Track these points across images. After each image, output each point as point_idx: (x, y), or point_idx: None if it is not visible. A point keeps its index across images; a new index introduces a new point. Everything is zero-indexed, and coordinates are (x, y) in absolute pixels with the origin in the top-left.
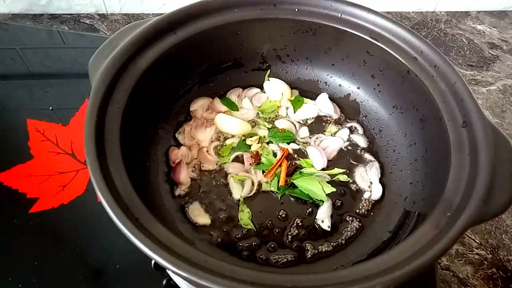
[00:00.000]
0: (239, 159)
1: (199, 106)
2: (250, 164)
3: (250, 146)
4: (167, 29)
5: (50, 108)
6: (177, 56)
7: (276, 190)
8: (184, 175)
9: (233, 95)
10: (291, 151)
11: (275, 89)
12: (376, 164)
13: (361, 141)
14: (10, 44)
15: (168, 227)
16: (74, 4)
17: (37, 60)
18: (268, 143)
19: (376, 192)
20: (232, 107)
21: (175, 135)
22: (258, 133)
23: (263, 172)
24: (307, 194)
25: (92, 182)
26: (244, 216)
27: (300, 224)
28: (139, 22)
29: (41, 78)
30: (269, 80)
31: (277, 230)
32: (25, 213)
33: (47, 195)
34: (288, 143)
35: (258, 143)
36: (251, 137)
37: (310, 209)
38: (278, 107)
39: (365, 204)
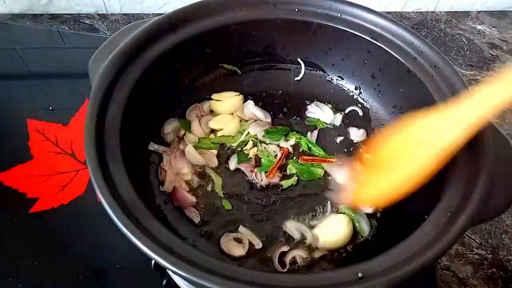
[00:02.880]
0: (239, 171)
1: (171, 129)
2: (251, 170)
3: (248, 154)
4: (167, 29)
5: (50, 108)
6: (177, 56)
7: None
8: (189, 199)
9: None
10: (290, 150)
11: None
12: None
13: (356, 135)
14: (10, 44)
15: (168, 227)
16: (74, 4)
17: (37, 60)
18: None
19: None
20: (188, 129)
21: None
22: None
23: (265, 173)
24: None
25: (92, 182)
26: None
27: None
28: (139, 22)
29: (41, 78)
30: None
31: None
32: (25, 213)
33: (47, 195)
34: (286, 135)
35: (253, 147)
36: (246, 144)
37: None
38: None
39: None
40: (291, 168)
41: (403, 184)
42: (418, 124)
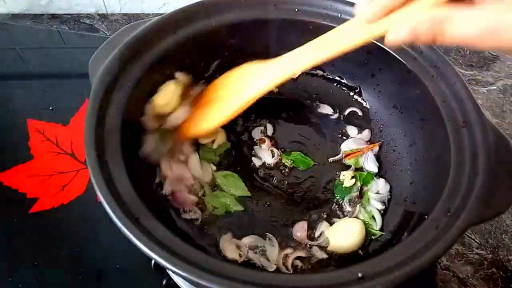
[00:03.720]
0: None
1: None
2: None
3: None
4: (167, 29)
5: (50, 108)
6: (177, 56)
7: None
8: (190, 199)
9: None
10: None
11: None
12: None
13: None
14: (10, 44)
15: (168, 227)
16: (74, 4)
17: (37, 60)
18: None
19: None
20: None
21: None
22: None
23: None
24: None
25: (92, 182)
26: None
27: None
28: (139, 22)
29: (41, 78)
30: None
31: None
32: (25, 213)
33: (47, 195)
34: None
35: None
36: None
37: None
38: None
39: None
40: (286, 161)
41: (215, 116)
42: (243, 70)
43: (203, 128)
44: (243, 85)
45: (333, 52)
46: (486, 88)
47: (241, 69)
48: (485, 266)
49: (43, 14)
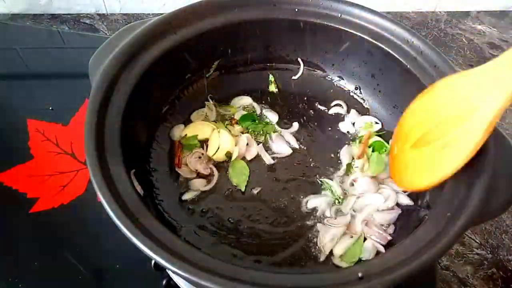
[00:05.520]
0: None
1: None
2: None
3: None
4: (167, 29)
5: (50, 108)
6: (177, 56)
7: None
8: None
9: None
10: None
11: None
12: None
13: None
14: (10, 44)
15: (168, 227)
16: (74, 4)
17: (37, 60)
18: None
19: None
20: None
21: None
22: None
23: None
24: None
25: (92, 182)
26: None
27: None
28: (139, 22)
29: (41, 78)
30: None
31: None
32: (25, 213)
33: (47, 195)
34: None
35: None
36: None
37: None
38: None
39: None
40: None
41: (449, 161)
42: (454, 87)
43: (427, 182)
44: (469, 105)
45: None
46: None
47: (446, 85)
48: (485, 266)
49: (43, 14)
